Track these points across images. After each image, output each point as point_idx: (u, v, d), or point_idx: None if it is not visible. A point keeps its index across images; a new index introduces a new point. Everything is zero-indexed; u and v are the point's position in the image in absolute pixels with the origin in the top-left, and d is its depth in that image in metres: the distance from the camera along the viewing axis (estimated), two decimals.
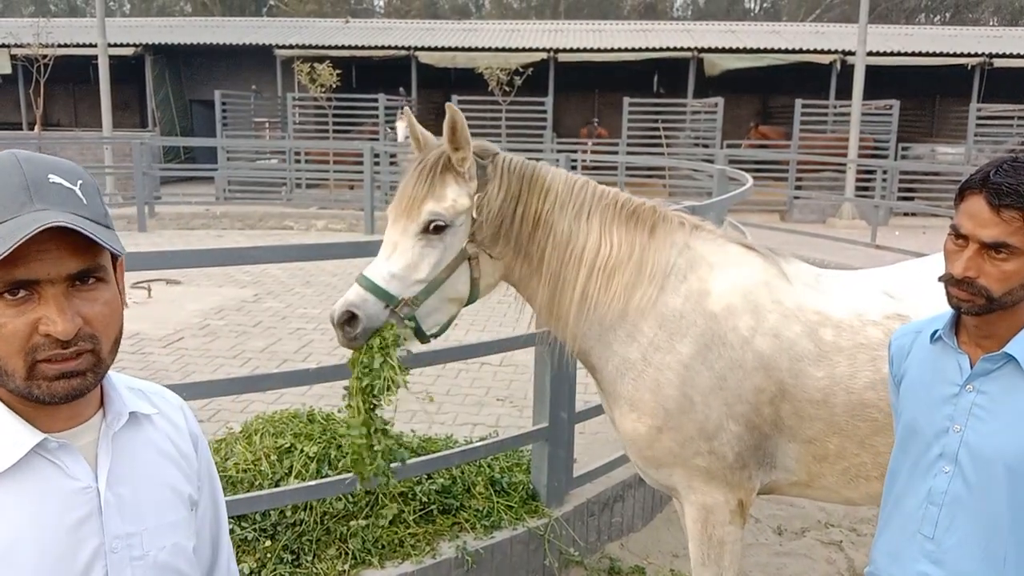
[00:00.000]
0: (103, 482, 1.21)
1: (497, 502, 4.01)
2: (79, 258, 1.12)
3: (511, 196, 2.66)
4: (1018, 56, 21.02)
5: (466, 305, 2.74)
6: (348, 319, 2.51)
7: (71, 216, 1.11)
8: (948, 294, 1.75)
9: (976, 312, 1.73)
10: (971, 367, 1.80)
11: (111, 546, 1.20)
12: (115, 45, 21.51)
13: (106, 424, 1.24)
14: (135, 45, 23.04)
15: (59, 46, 20.26)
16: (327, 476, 3.70)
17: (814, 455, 2.69)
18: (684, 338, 2.65)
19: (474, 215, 2.60)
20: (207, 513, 1.42)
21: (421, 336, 2.65)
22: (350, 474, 3.63)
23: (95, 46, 19.62)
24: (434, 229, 2.56)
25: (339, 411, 4.49)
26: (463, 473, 4.09)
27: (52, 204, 1.11)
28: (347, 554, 3.54)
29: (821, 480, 2.75)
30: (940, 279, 1.77)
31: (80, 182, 1.16)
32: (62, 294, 1.12)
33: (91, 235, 1.11)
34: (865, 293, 2.76)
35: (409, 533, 3.71)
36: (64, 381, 1.13)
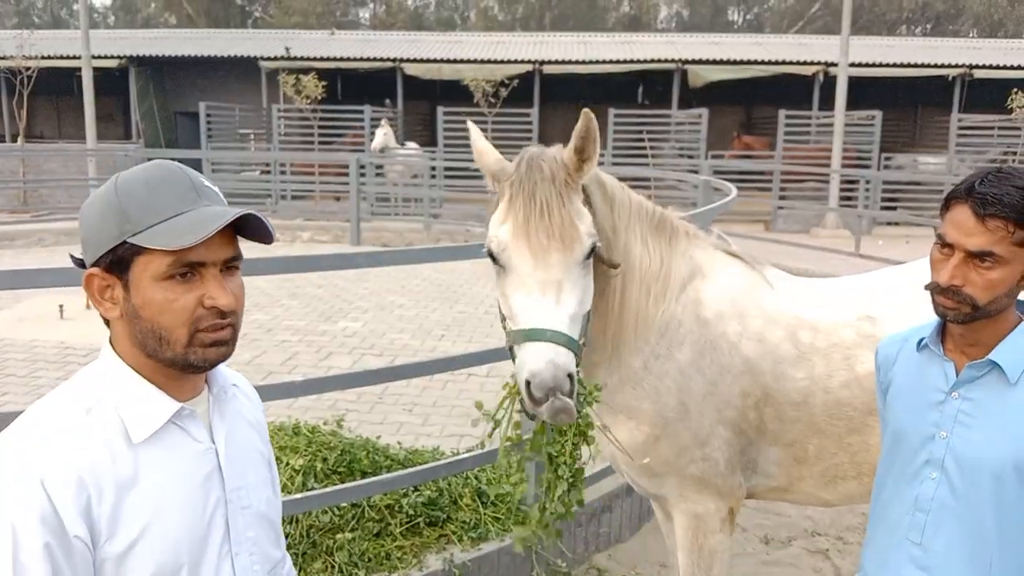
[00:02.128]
0: (220, 444, 1.44)
1: (484, 514, 3.99)
2: (231, 246, 1.37)
3: (600, 205, 2.47)
4: (997, 67, 21.24)
5: None
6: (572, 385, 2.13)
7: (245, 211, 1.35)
8: (934, 302, 1.76)
9: (962, 320, 1.74)
10: (957, 374, 1.81)
11: (229, 497, 1.42)
12: (99, 57, 21.38)
13: (213, 396, 1.47)
14: (119, 57, 22.92)
15: (43, 58, 20.17)
16: (313, 489, 3.67)
17: (795, 458, 2.72)
18: (682, 345, 2.65)
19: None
20: (271, 474, 1.62)
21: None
22: (336, 487, 3.61)
23: (79, 58, 19.52)
24: (590, 253, 2.26)
25: (324, 423, 4.48)
26: (450, 485, 4.07)
27: (213, 201, 1.36)
28: (333, 567, 3.51)
29: (800, 484, 2.78)
30: (926, 287, 1.79)
31: (217, 187, 1.41)
32: (219, 275, 1.35)
33: (265, 221, 1.37)
34: (836, 296, 2.83)
35: (396, 546, 3.68)
36: (215, 348, 1.35)
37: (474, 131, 2.49)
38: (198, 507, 1.37)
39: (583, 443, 2.50)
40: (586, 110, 2.24)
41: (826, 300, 2.81)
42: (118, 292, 1.34)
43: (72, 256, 1.44)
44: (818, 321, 2.72)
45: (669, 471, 2.71)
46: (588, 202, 2.37)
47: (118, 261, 1.32)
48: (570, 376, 2.10)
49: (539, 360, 2.10)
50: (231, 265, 1.38)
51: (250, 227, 1.39)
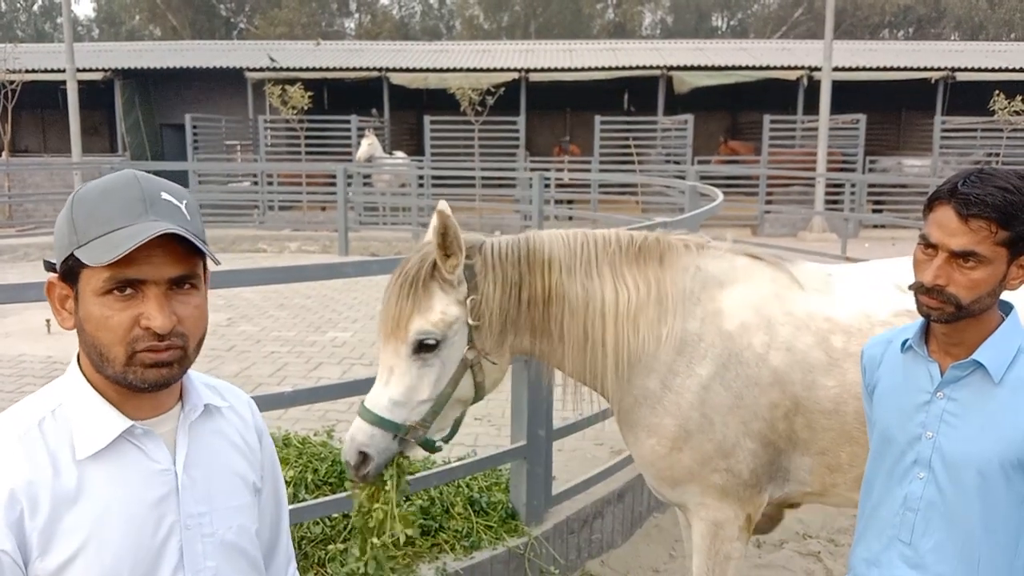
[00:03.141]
0: (180, 465, 1.36)
1: (476, 522, 3.98)
2: (180, 265, 1.29)
3: (511, 285, 2.54)
4: (979, 69, 21.44)
5: (473, 403, 2.66)
6: (363, 460, 2.43)
7: (180, 228, 1.27)
8: (918, 302, 1.78)
9: (946, 320, 1.76)
10: (941, 375, 1.82)
11: (185, 523, 1.35)
12: (84, 70, 21.32)
13: (184, 414, 1.40)
14: (104, 70, 22.86)
15: (27, 72, 20.08)
16: (304, 500, 3.66)
17: (827, 466, 2.66)
18: (703, 360, 2.61)
19: (470, 321, 2.46)
20: (269, 501, 1.58)
21: (430, 447, 2.57)
22: (327, 498, 3.60)
23: (64, 71, 19.47)
24: (426, 347, 2.42)
25: (315, 434, 4.47)
26: (441, 494, 4.07)
27: (163, 217, 1.27)
28: None
29: (835, 489, 2.72)
30: (910, 287, 1.80)
31: (185, 202, 1.33)
32: (163, 295, 1.28)
33: (196, 242, 1.28)
34: (875, 290, 2.71)
35: (388, 556, 3.66)
36: (155, 370, 1.28)
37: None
38: (147, 530, 1.31)
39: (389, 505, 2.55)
40: (439, 208, 2.38)
41: (861, 296, 2.70)
42: (72, 303, 1.32)
43: (45, 261, 1.40)
44: (852, 323, 2.63)
45: (691, 479, 2.68)
46: (475, 289, 2.48)
47: (69, 272, 1.30)
48: (363, 452, 2.42)
49: (348, 434, 2.46)
50: (187, 284, 1.31)
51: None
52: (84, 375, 1.34)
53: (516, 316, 2.57)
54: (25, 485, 1.24)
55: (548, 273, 2.59)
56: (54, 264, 1.35)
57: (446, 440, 2.63)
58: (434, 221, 2.40)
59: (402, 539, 2.55)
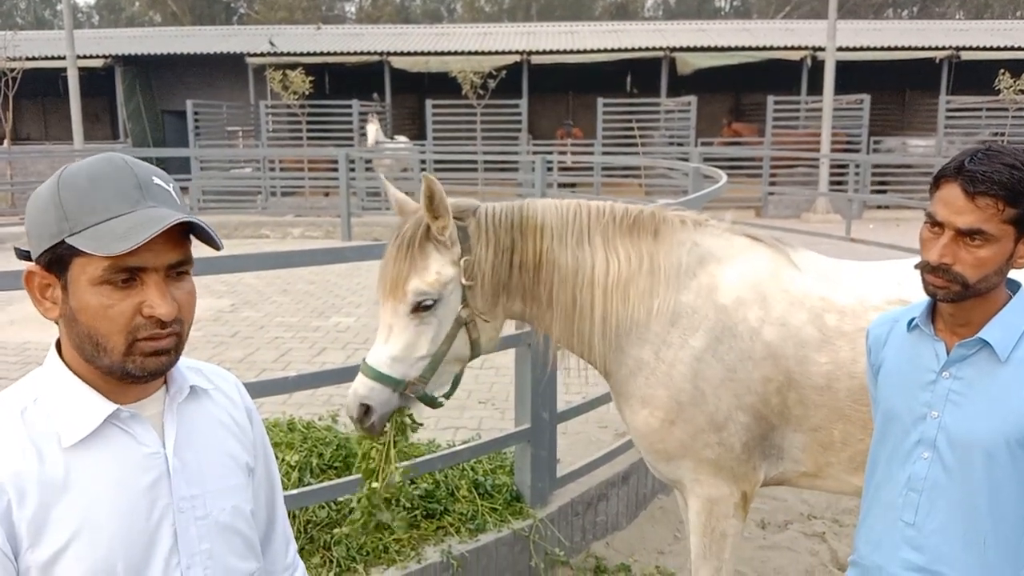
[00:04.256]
0: (170, 448, 1.34)
1: (481, 505, 3.99)
2: (177, 250, 1.28)
3: (503, 249, 2.62)
4: (984, 48, 21.29)
5: (471, 360, 2.73)
6: (365, 412, 2.53)
7: (189, 215, 1.27)
8: (924, 281, 1.76)
9: (952, 299, 1.74)
10: (947, 354, 1.81)
11: (178, 506, 1.33)
12: (84, 57, 21.28)
13: (169, 397, 1.38)
14: (105, 56, 22.82)
15: (27, 59, 20.02)
16: (309, 484, 3.66)
17: (820, 443, 2.69)
18: (696, 332, 2.65)
19: (463, 282, 2.55)
20: (262, 480, 1.55)
21: (431, 403, 2.65)
22: (332, 482, 3.61)
23: (64, 58, 19.43)
24: (423, 307, 2.52)
25: (319, 419, 4.47)
26: (446, 477, 4.07)
27: (160, 202, 1.27)
28: (332, 562, 3.51)
29: (829, 469, 2.74)
30: (916, 266, 1.79)
31: (171, 184, 1.31)
32: (162, 281, 1.26)
33: (208, 229, 1.29)
34: (874, 280, 2.75)
35: (394, 539, 3.68)
36: (155, 358, 1.27)
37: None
38: (139, 515, 1.29)
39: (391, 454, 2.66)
40: (425, 175, 2.47)
41: (859, 282, 2.74)
42: (58, 292, 1.28)
43: (17, 248, 1.33)
44: (846, 304, 2.67)
45: (685, 454, 2.71)
46: (468, 251, 2.57)
47: (57, 260, 1.25)
48: (365, 406, 2.51)
49: (351, 388, 2.55)
50: (180, 270, 1.30)
51: (201, 231, 1.30)
52: (66, 363, 1.31)
53: (508, 279, 2.64)
54: (11, 476, 1.21)
55: (539, 239, 2.65)
56: (26, 252, 1.30)
57: (447, 396, 2.72)
58: (422, 187, 2.47)
59: (397, 478, 2.67)
